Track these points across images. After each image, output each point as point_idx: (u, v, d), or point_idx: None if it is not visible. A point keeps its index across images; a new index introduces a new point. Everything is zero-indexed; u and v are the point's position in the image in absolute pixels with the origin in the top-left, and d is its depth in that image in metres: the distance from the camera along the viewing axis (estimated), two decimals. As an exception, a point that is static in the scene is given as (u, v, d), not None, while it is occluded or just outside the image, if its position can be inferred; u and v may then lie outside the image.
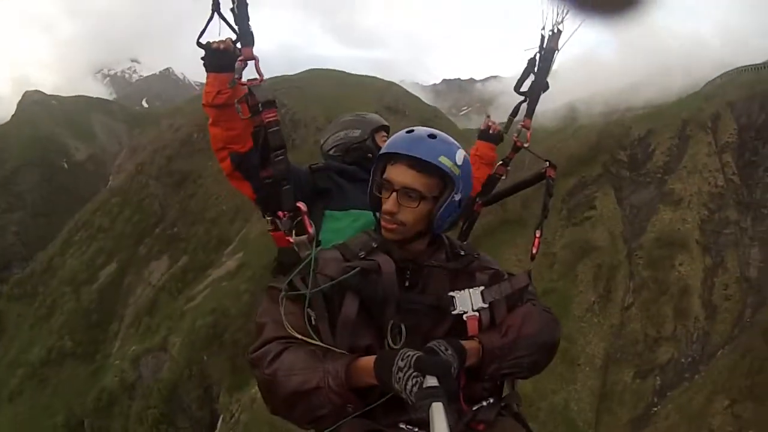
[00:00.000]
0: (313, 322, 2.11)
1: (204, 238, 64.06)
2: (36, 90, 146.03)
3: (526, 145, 3.53)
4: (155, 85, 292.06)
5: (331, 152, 3.53)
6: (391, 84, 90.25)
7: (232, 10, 2.61)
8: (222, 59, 2.72)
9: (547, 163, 3.11)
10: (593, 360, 38.00)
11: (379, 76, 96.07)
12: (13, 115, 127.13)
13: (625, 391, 36.47)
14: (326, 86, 78.13)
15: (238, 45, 2.70)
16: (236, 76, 2.58)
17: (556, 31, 3.36)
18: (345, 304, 2.13)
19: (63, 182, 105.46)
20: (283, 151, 2.52)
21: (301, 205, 2.49)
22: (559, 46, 3.41)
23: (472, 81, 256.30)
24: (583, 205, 45.87)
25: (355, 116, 3.61)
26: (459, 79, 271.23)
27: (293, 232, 2.55)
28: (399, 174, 2.17)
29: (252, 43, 2.60)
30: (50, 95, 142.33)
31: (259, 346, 2.09)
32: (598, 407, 36.31)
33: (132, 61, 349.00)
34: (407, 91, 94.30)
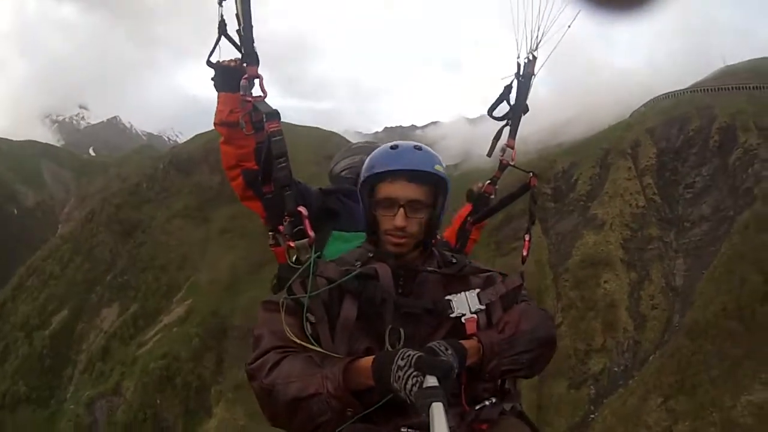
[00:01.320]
0: (309, 331, 2.10)
1: (153, 285, 65.24)
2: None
3: (512, 163, 3.59)
4: (102, 133, 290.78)
5: (343, 173, 3.49)
6: (332, 134, 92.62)
7: (238, 31, 2.69)
8: (233, 79, 2.77)
9: (531, 174, 3.16)
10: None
11: (324, 126, 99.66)
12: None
13: (560, 402, 39.19)
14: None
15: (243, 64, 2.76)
16: (241, 93, 2.64)
17: (531, 57, 3.51)
18: (344, 307, 2.13)
19: (12, 228, 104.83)
20: (286, 158, 2.50)
21: (302, 209, 2.44)
22: (535, 71, 3.55)
23: (413, 128, 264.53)
24: (510, 237, 46.95)
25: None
26: (401, 126, 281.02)
27: (289, 237, 2.50)
28: (401, 189, 2.20)
29: (257, 62, 2.67)
30: (1, 138, 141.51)
31: (257, 357, 2.06)
32: (536, 419, 39.04)
33: (80, 107, 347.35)
34: (348, 141, 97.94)
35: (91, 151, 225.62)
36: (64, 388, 58.35)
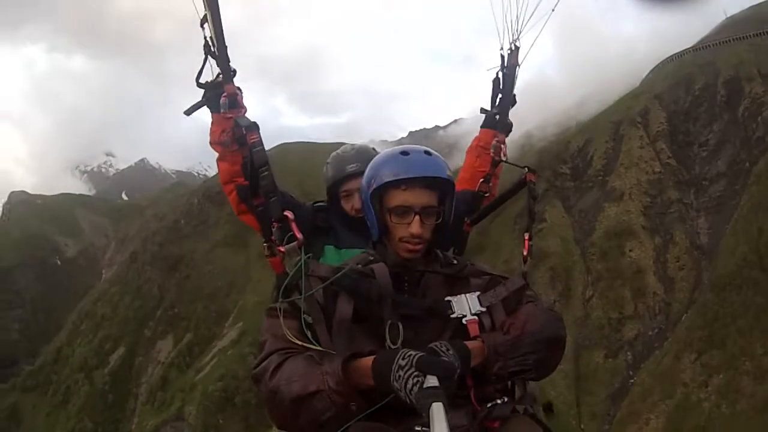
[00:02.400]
0: (308, 332, 2.09)
1: (204, 314, 68.61)
2: (22, 191, 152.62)
3: (504, 159, 3.52)
4: (132, 177, 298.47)
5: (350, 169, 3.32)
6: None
7: (212, 53, 2.77)
8: (229, 101, 2.85)
9: (526, 169, 2.96)
10: (562, 351, 42.48)
11: (347, 139, 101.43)
12: (0, 216, 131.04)
13: (598, 370, 40.38)
14: (297, 159, 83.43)
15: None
16: (222, 110, 2.71)
17: (514, 48, 3.46)
18: (338, 305, 2.14)
19: (57, 278, 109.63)
20: (268, 167, 2.45)
21: (289, 213, 2.39)
22: (519, 61, 3.51)
23: (436, 128, 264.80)
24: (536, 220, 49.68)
25: (353, 147, 3.42)
26: (424, 128, 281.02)
27: (279, 243, 2.41)
28: (417, 196, 2.19)
29: (231, 80, 2.74)
30: (34, 194, 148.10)
31: (260, 361, 2.05)
32: (575, 389, 39.96)
33: (107, 155, 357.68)
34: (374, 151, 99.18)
35: (123, 196, 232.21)
36: (128, 420, 61.69)
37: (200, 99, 2.96)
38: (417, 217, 2.19)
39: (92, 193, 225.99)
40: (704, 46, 63.39)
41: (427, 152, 2.27)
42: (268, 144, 2.61)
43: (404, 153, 2.25)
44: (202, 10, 2.81)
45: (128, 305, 74.79)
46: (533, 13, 3.23)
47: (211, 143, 3.07)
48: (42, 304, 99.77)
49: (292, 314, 2.13)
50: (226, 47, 2.80)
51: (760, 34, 57.95)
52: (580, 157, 55.63)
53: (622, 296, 43.20)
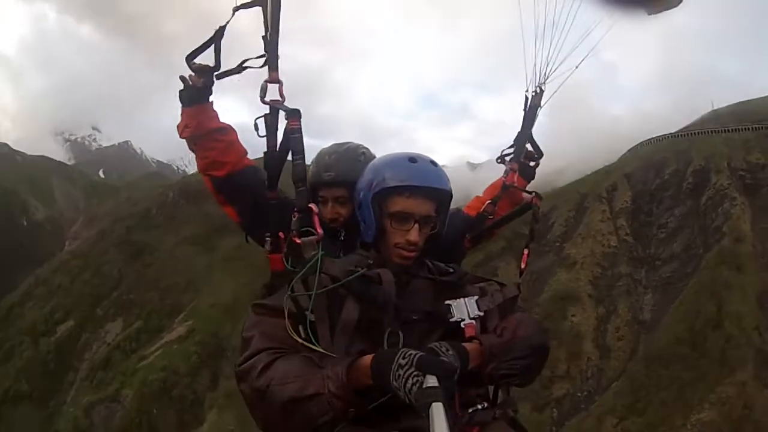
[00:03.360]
0: (303, 335, 2.06)
1: (158, 305, 69.16)
2: (4, 143, 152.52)
3: (514, 185, 3.64)
4: (113, 156, 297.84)
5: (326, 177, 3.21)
6: None
7: (264, 37, 2.57)
8: (193, 95, 2.85)
9: (533, 193, 3.16)
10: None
11: None
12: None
13: (523, 422, 42.51)
14: (287, 179, 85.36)
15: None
16: (260, 95, 2.53)
17: (539, 90, 3.62)
18: (345, 308, 2.12)
19: (20, 239, 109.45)
20: (303, 156, 2.36)
21: (313, 206, 2.30)
22: (542, 103, 3.66)
23: None
24: (488, 274, 51.48)
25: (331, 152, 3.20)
26: None
27: (296, 234, 2.28)
28: (418, 206, 2.24)
29: (277, 68, 2.58)
30: (16, 150, 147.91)
31: (247, 358, 2.03)
32: None
33: (93, 128, 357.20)
34: None
35: (101, 173, 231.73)
36: (65, 391, 61.76)
37: (231, 68, 2.76)
38: (416, 226, 2.24)
39: (71, 163, 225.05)
40: (682, 134, 66.80)
41: (432, 162, 2.33)
42: (252, 155, 2.79)
43: (412, 160, 2.29)
44: None
45: (86, 281, 75.01)
46: (563, 61, 3.41)
47: (180, 136, 3.02)
48: (1, 261, 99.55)
49: (291, 312, 2.08)
50: (279, 33, 2.62)
51: (737, 129, 61.16)
52: (543, 222, 57.94)
53: (556, 357, 44.73)
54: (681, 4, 3.09)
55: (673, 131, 69.87)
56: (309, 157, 2.67)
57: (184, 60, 2.81)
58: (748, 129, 60.79)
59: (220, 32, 2.72)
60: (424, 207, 2.26)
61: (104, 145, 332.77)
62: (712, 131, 63.07)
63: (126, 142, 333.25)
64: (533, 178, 3.77)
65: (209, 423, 50.36)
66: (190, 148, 2.99)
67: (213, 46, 2.76)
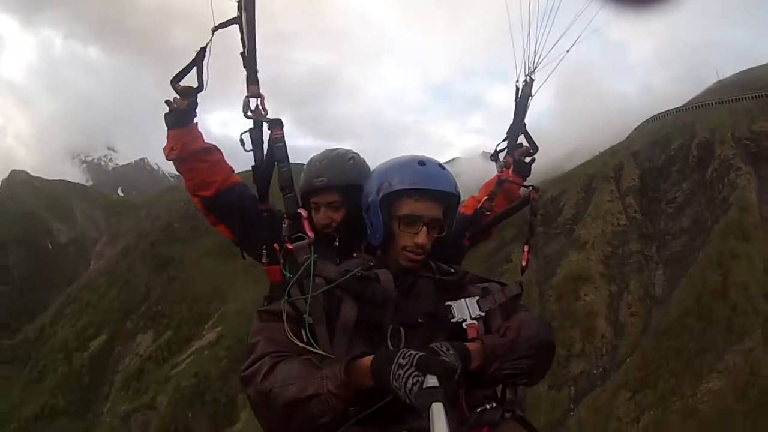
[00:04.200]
0: (305, 339, 2.08)
1: (186, 315, 72.59)
2: (23, 170, 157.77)
3: (510, 179, 3.63)
4: (130, 174, 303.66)
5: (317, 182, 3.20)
6: None
7: (242, 54, 2.62)
8: (178, 118, 2.90)
9: (531, 187, 3.16)
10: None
11: None
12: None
13: (540, 400, 42.62)
14: (297, 180, 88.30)
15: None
16: (243, 110, 2.56)
17: (529, 80, 3.64)
18: (343, 308, 2.14)
19: (47, 261, 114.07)
20: (288, 163, 2.43)
21: (303, 211, 2.39)
22: (533, 92, 3.67)
23: None
24: (503, 260, 51.92)
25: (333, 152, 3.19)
26: None
27: (288, 240, 2.36)
28: (428, 209, 2.26)
29: (257, 82, 2.60)
30: (34, 176, 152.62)
31: (252, 362, 2.04)
32: None
33: (108, 148, 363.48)
34: None
35: (119, 192, 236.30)
36: (100, 403, 65.34)
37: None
38: (425, 229, 2.26)
39: (89, 184, 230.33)
40: (687, 107, 67.81)
41: (441, 165, 2.35)
42: (244, 166, 2.70)
43: (421, 163, 2.30)
44: (223, 13, 2.73)
45: (114, 297, 78.51)
46: (551, 49, 3.40)
47: (167, 158, 3.05)
48: (29, 284, 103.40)
49: (291, 315, 2.12)
50: (256, 49, 2.67)
51: (740, 99, 61.72)
52: (552, 206, 59.11)
53: (571, 336, 46.13)
54: None
55: (679, 105, 70.60)
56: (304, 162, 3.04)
57: (169, 83, 2.89)
58: (751, 98, 61.23)
59: (201, 54, 2.83)
60: (433, 210, 2.28)
61: (120, 163, 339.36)
62: (716, 102, 63.76)
63: (142, 159, 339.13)
64: (529, 174, 3.73)
65: (243, 422, 52.65)
66: (178, 170, 3.07)
67: (196, 67, 2.85)
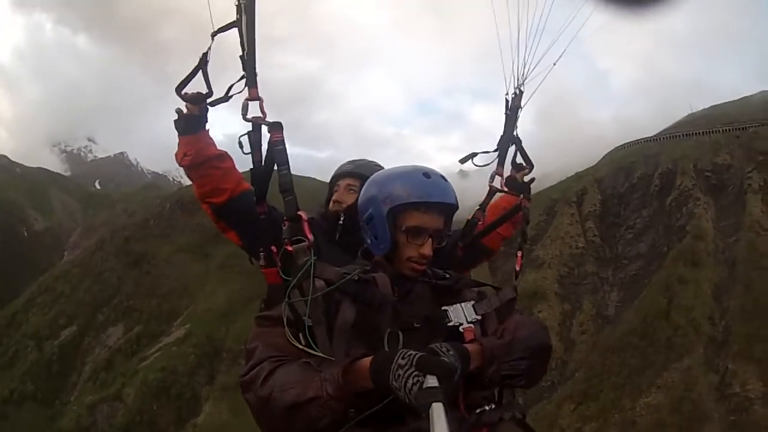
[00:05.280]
0: (303, 342, 2.10)
1: (156, 311, 74.36)
2: (3, 155, 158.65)
3: (501, 188, 3.73)
4: (109, 168, 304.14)
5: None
6: (325, 184, 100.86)
7: (241, 57, 2.67)
8: (190, 124, 2.98)
9: (521, 196, 3.26)
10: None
11: (323, 174, 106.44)
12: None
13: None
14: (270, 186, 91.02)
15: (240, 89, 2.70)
16: (242, 113, 2.61)
17: (518, 92, 3.72)
18: (342, 310, 2.17)
19: (21, 249, 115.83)
20: (288, 166, 2.42)
21: (302, 213, 2.39)
22: (522, 104, 3.75)
23: None
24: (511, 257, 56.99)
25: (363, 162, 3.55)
26: None
27: (288, 242, 2.32)
28: (433, 221, 2.30)
29: (255, 84, 2.66)
30: (15, 162, 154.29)
31: (251, 368, 2.06)
32: None
33: (89, 140, 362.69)
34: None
35: (96, 184, 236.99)
36: (68, 391, 67.03)
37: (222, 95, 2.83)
38: (430, 240, 2.30)
39: (67, 174, 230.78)
40: (654, 138, 71.47)
41: (443, 177, 2.38)
42: (247, 166, 2.69)
43: (426, 175, 2.33)
44: (225, 16, 2.74)
45: (87, 288, 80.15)
46: (540, 61, 3.52)
47: (179, 164, 3.12)
48: (1, 270, 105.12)
49: (290, 320, 2.13)
50: (255, 52, 2.71)
51: (707, 132, 65.35)
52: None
53: (522, 351, 49.65)
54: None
55: (651, 135, 74.05)
56: (296, 167, 3.37)
57: (174, 92, 2.95)
58: (718, 131, 64.83)
59: (203, 59, 2.87)
60: (438, 222, 2.32)
61: (100, 156, 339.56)
62: (683, 135, 67.53)
63: (121, 153, 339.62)
64: (521, 191, 3.58)
65: (205, 413, 54.98)
66: (189, 176, 3.11)
67: (201, 72, 2.88)
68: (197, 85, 2.95)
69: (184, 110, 3.02)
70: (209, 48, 2.85)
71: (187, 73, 2.91)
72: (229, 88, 2.77)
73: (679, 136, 67.92)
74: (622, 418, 39.90)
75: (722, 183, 57.87)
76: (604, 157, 73.82)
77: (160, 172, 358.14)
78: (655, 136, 73.01)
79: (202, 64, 2.87)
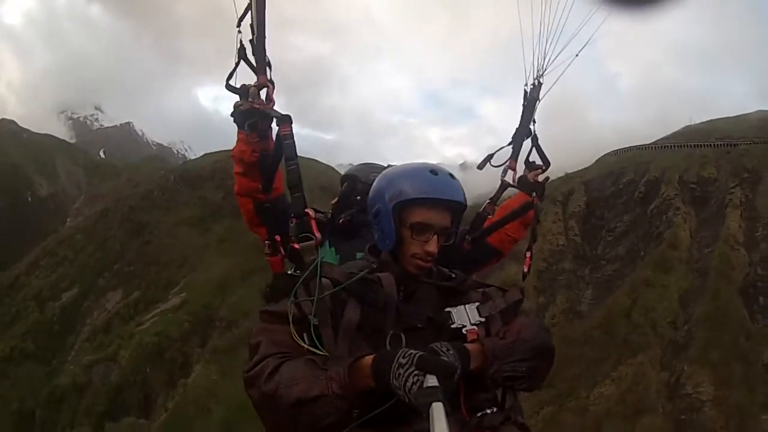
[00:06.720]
0: (312, 336, 2.13)
1: (155, 278, 79.24)
2: (12, 120, 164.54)
3: (513, 183, 3.74)
4: (114, 137, 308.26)
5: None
6: (328, 168, 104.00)
7: (251, 41, 2.82)
8: (252, 115, 2.94)
9: (534, 193, 3.35)
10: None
11: (328, 157, 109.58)
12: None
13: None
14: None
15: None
16: (249, 99, 2.72)
17: (537, 83, 3.78)
18: (347, 310, 2.20)
19: (25, 213, 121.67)
20: (296, 161, 2.49)
21: (310, 210, 2.44)
22: (541, 96, 3.82)
23: None
24: (496, 269, 61.06)
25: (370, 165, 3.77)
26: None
27: (295, 239, 2.41)
28: (439, 218, 2.33)
29: (265, 71, 2.79)
30: (23, 128, 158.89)
31: (255, 363, 2.09)
32: None
33: (96, 108, 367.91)
34: (339, 173, 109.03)
35: (101, 153, 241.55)
36: (66, 351, 72.03)
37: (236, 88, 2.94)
38: (435, 237, 2.33)
39: (73, 141, 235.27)
40: (647, 146, 74.88)
41: (451, 175, 2.41)
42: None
43: (433, 172, 2.36)
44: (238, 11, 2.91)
45: (90, 254, 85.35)
46: (560, 53, 3.61)
47: (234, 157, 3.10)
48: (5, 233, 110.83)
49: (296, 318, 2.16)
50: (265, 38, 2.86)
51: (699, 145, 68.28)
52: (500, 223, 67.27)
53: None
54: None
55: (648, 143, 77.22)
56: (302, 149, 2.89)
57: (225, 88, 3.00)
58: (710, 145, 67.77)
59: (242, 51, 3.01)
60: (444, 219, 2.35)
61: (106, 125, 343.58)
62: (676, 146, 70.86)
63: (128, 123, 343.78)
64: (533, 190, 3.67)
65: (195, 374, 59.45)
66: (241, 170, 3.11)
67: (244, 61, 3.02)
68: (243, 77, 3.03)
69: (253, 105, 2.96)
70: (241, 40, 3.00)
71: (232, 68, 3.03)
72: (231, 74, 2.99)
73: (672, 146, 71.15)
74: (576, 405, 44.29)
75: (705, 196, 61.02)
76: (596, 161, 76.90)
77: (165, 144, 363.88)
78: (649, 144, 76.31)
79: (242, 55, 3.02)
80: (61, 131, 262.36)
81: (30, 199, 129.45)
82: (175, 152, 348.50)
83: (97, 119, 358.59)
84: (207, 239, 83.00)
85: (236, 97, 2.98)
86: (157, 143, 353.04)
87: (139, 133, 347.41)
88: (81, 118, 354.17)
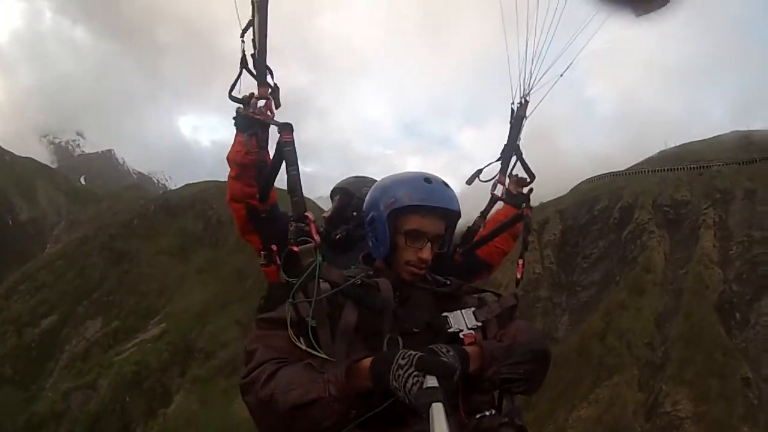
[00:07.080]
0: (306, 343, 2.13)
1: (134, 307, 79.54)
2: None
3: (502, 197, 3.85)
4: (95, 164, 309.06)
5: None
6: (307, 200, 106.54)
7: (252, 55, 2.94)
8: (254, 123, 3.05)
9: (524, 205, 3.43)
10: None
11: (310, 190, 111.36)
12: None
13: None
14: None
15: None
16: (250, 110, 2.81)
17: (524, 102, 3.87)
18: (345, 312, 2.21)
19: (4, 237, 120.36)
20: (297, 167, 2.56)
21: (309, 214, 2.46)
22: (527, 114, 3.90)
23: None
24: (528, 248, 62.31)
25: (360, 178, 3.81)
26: None
27: (294, 243, 2.39)
28: (433, 225, 2.37)
29: (266, 83, 2.90)
30: (5, 149, 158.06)
31: (251, 370, 2.09)
32: None
33: (77, 134, 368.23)
34: (320, 207, 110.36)
35: (82, 180, 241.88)
36: (45, 378, 71.61)
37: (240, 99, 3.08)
38: (429, 244, 2.37)
39: (54, 166, 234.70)
40: (621, 172, 76.80)
41: (445, 183, 2.46)
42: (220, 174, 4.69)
43: (427, 180, 2.40)
44: (243, 19, 3.03)
45: (69, 281, 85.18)
46: (546, 72, 3.70)
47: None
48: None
49: (293, 321, 2.17)
50: (266, 51, 2.99)
51: (672, 169, 70.22)
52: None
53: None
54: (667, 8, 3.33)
55: (622, 169, 79.49)
56: (280, 180, 2.98)
57: (228, 98, 3.13)
58: (684, 169, 69.77)
59: (244, 61, 3.13)
60: (438, 227, 2.39)
61: (87, 151, 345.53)
62: (650, 171, 72.76)
63: (109, 150, 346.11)
64: (522, 202, 3.79)
65: (175, 404, 59.61)
66: (236, 174, 3.17)
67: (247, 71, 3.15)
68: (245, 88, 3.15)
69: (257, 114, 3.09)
70: (243, 51, 3.12)
71: (234, 79, 3.16)
72: (234, 84, 3.13)
73: (646, 171, 73.08)
74: (556, 428, 45.02)
75: (679, 218, 62.55)
76: (571, 189, 78.34)
77: (146, 173, 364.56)
78: (623, 170, 78.16)
79: (244, 65, 3.14)
80: (43, 155, 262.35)
81: (11, 222, 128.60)
82: (156, 182, 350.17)
83: (78, 145, 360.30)
84: (186, 269, 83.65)
85: (233, 108, 3.14)
86: (138, 172, 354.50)
87: (120, 161, 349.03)
88: (63, 143, 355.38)
